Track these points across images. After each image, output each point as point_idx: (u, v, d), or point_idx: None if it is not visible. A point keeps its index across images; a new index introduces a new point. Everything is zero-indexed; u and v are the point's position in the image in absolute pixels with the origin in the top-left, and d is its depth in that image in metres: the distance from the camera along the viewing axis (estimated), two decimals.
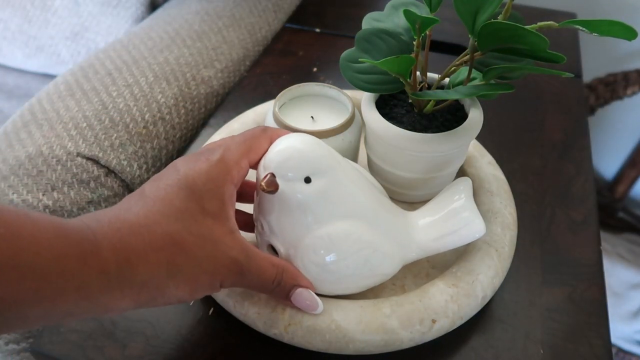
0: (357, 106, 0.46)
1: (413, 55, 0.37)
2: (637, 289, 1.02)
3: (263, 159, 0.34)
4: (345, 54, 0.41)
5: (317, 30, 0.75)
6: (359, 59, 0.39)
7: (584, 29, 0.31)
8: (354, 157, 0.45)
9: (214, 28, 0.69)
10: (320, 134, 0.41)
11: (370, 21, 0.43)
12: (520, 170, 0.52)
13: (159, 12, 0.75)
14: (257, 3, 0.76)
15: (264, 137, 0.34)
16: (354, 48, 0.41)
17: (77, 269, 0.24)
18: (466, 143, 0.41)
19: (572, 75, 0.33)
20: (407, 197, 0.45)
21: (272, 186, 0.32)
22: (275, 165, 0.33)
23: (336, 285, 0.35)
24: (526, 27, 0.32)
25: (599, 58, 1.08)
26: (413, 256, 0.37)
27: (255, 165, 0.34)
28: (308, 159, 0.33)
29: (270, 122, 0.43)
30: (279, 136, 0.34)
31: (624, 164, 1.18)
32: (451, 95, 0.36)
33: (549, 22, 0.34)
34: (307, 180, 0.33)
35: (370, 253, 0.34)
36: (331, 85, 0.45)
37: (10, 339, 0.47)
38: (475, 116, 0.41)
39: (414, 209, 0.39)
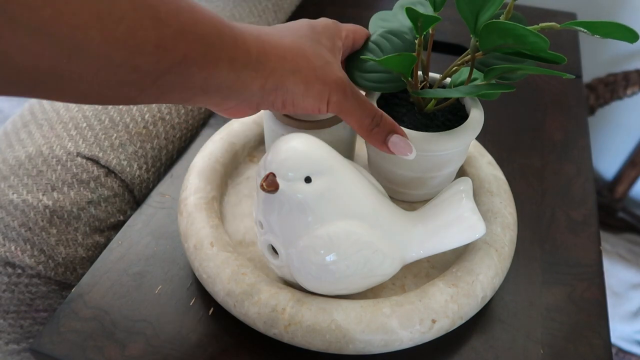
0: None
1: (415, 54, 0.37)
2: (637, 289, 1.02)
3: (263, 159, 0.34)
4: (349, 55, 0.41)
5: None
6: (361, 57, 0.39)
7: (585, 30, 0.31)
8: (352, 148, 0.45)
9: None
10: (322, 124, 0.41)
11: (377, 20, 0.43)
12: (520, 170, 0.52)
13: None
14: (257, 3, 0.76)
15: (364, 34, 0.42)
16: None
17: (232, 45, 0.31)
18: (466, 143, 0.41)
19: (573, 77, 0.33)
20: (407, 196, 0.45)
21: (273, 186, 0.32)
22: (276, 165, 0.33)
23: (336, 285, 0.35)
24: (527, 27, 0.32)
25: (599, 58, 1.08)
26: (413, 256, 0.37)
27: (358, 43, 0.41)
28: (308, 159, 0.33)
29: (270, 117, 0.43)
30: (355, 30, 0.41)
31: (624, 164, 1.18)
32: (451, 93, 0.36)
33: (550, 24, 0.34)
34: (308, 180, 0.33)
35: (370, 253, 0.34)
36: None
37: (11, 339, 0.47)
38: (476, 116, 0.41)
39: (414, 208, 0.39)
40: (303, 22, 0.37)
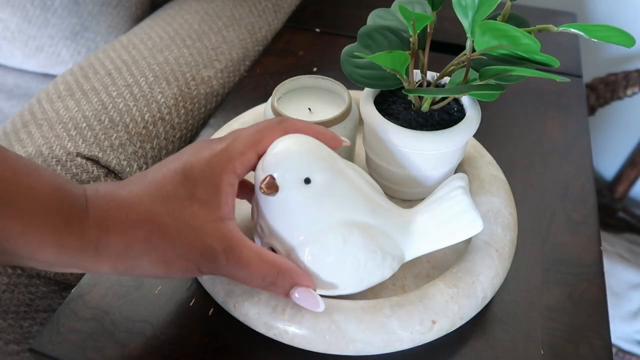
0: (357, 103, 0.47)
1: (410, 52, 0.37)
2: (637, 289, 1.02)
3: (261, 160, 0.34)
4: (346, 48, 0.41)
5: (317, 30, 0.75)
6: (354, 53, 0.39)
7: (582, 33, 0.31)
8: (352, 148, 0.46)
9: (214, 28, 0.69)
10: (321, 125, 0.41)
11: (375, 18, 0.43)
12: (520, 170, 0.52)
13: (159, 12, 0.74)
14: (257, 3, 0.76)
15: (278, 128, 0.34)
16: (355, 43, 0.41)
17: (60, 228, 0.27)
18: (461, 143, 0.41)
19: (568, 80, 0.33)
20: (404, 194, 0.45)
21: (272, 188, 0.32)
22: (275, 167, 0.32)
23: (336, 285, 0.35)
24: (520, 29, 0.31)
25: (599, 58, 1.08)
26: (412, 254, 0.37)
27: (264, 148, 0.34)
28: (307, 160, 0.33)
29: (270, 116, 0.43)
30: (295, 128, 0.34)
31: (624, 164, 1.18)
32: (442, 92, 0.36)
33: (547, 26, 0.34)
34: (307, 181, 0.33)
35: (369, 253, 0.34)
36: (325, 77, 0.46)
37: (10, 340, 0.47)
38: (472, 116, 0.41)
39: (412, 206, 0.39)
40: (177, 169, 0.31)
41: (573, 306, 0.41)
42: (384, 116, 0.41)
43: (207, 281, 0.38)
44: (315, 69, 0.67)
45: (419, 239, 0.36)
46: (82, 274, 0.43)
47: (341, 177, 0.34)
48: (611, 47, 1.07)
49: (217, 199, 0.31)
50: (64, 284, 0.46)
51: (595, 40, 0.31)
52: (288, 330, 0.35)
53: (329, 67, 0.67)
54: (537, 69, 0.34)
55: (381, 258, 0.35)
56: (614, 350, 1.03)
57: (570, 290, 0.42)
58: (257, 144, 0.33)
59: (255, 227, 0.37)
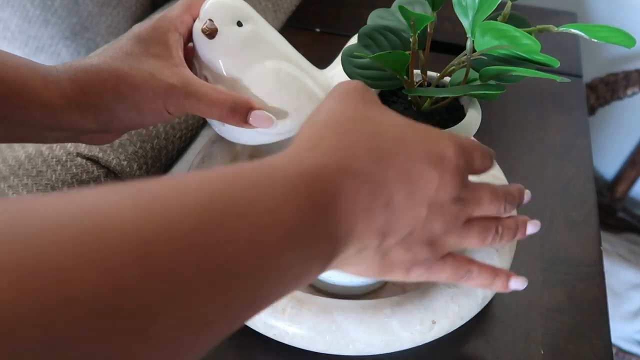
0: None
1: (410, 52, 0.37)
2: (637, 289, 1.02)
3: (199, 17, 0.39)
4: (346, 48, 0.41)
5: (317, 30, 0.75)
6: (354, 52, 0.39)
7: (583, 34, 0.31)
8: None
9: None
10: None
11: (375, 18, 0.43)
12: (520, 170, 0.52)
13: (159, 12, 0.74)
14: (257, 3, 0.75)
15: (194, 3, 0.40)
16: (356, 43, 0.41)
17: (40, 89, 0.32)
18: None
19: (568, 80, 0.33)
20: None
21: (212, 29, 0.38)
22: (212, 11, 0.38)
23: (277, 112, 0.39)
24: (520, 29, 0.31)
25: (599, 58, 1.08)
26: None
27: (196, 13, 0.40)
28: (237, 6, 0.39)
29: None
30: None
31: (624, 164, 1.18)
32: (443, 92, 0.36)
33: (548, 26, 0.34)
34: (239, 24, 0.39)
35: (301, 86, 0.41)
36: None
37: None
38: (472, 116, 0.41)
39: None
40: (129, 36, 0.37)
41: (573, 306, 0.41)
42: None
43: None
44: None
45: None
46: None
47: (266, 26, 0.41)
48: (611, 47, 1.07)
49: (169, 52, 0.37)
50: None
51: (596, 40, 0.31)
52: (288, 330, 0.35)
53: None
54: (537, 69, 0.34)
55: (311, 90, 0.41)
56: (614, 350, 1.03)
57: (570, 290, 0.42)
58: (189, 7, 0.39)
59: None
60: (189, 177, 0.21)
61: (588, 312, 0.40)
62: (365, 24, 0.43)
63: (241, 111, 0.37)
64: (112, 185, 0.18)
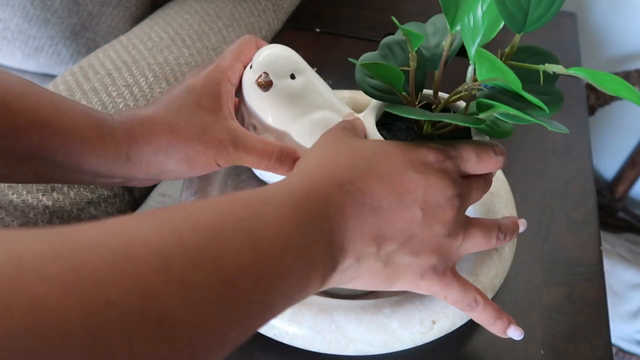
0: (363, 107, 0.46)
1: (410, 69, 0.36)
2: (637, 289, 1.02)
3: (249, 66, 0.39)
4: (364, 56, 0.40)
5: (317, 30, 0.75)
6: (367, 60, 0.38)
7: (592, 81, 0.30)
8: None
9: (214, 28, 0.69)
10: None
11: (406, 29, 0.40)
12: (520, 170, 0.52)
13: (159, 12, 0.74)
14: (257, 3, 0.76)
15: (250, 41, 0.41)
16: (376, 52, 0.40)
17: (95, 140, 0.33)
18: None
19: (567, 132, 0.31)
20: None
21: (267, 82, 0.37)
22: (267, 64, 0.38)
23: None
24: (504, 63, 0.29)
25: (599, 58, 1.08)
26: None
27: (248, 57, 0.40)
28: (290, 59, 0.39)
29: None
30: (262, 43, 0.41)
31: (624, 164, 1.19)
32: (432, 117, 0.33)
33: (558, 66, 0.32)
34: (292, 76, 0.38)
35: None
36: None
37: None
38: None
39: None
40: (182, 88, 0.37)
41: (573, 306, 0.41)
42: (382, 131, 0.38)
43: None
44: (315, 69, 0.66)
45: None
46: None
47: (315, 78, 0.41)
48: (611, 47, 1.07)
49: (219, 104, 0.37)
50: None
51: (604, 90, 0.30)
52: (288, 330, 0.35)
53: (329, 67, 0.67)
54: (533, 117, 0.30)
55: None
56: (614, 350, 1.03)
57: (570, 290, 0.42)
58: (240, 55, 0.40)
59: (247, 128, 0.40)
60: (195, 202, 0.24)
61: (588, 312, 0.40)
62: (364, 23, 0.42)
63: (287, 162, 0.37)
64: (129, 215, 0.21)
